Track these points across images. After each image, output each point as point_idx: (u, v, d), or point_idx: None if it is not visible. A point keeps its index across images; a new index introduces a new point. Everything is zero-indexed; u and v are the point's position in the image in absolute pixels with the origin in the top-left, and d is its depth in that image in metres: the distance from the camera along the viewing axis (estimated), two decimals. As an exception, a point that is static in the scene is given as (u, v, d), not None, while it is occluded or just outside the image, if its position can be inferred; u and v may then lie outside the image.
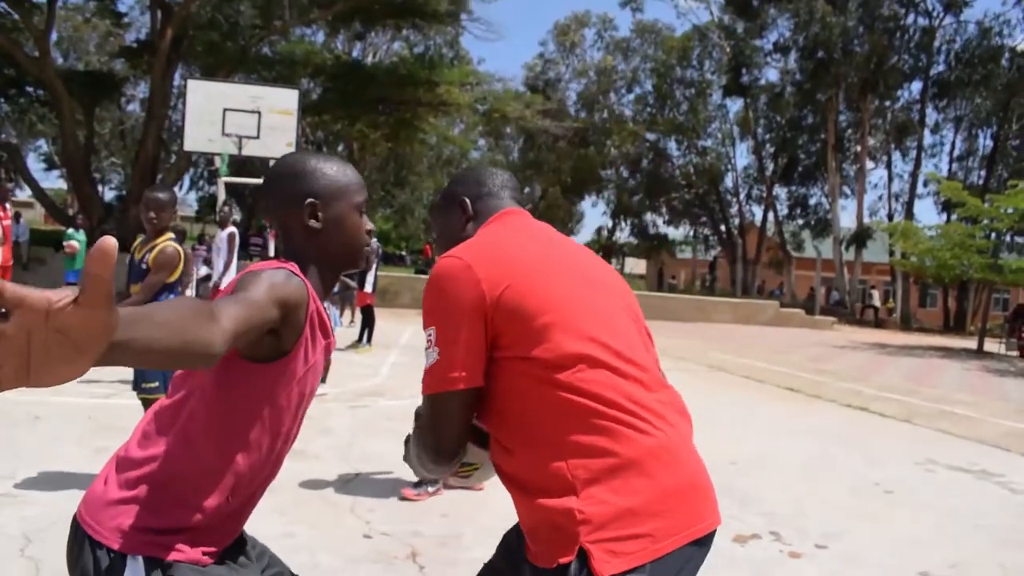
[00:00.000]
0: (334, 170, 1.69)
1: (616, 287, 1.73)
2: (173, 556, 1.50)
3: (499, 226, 1.77)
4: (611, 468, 1.47)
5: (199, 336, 1.11)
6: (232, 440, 1.54)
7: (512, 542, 1.79)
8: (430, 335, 1.56)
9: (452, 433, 1.59)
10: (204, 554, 1.55)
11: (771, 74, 38.59)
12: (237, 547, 1.69)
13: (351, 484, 4.97)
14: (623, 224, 46.28)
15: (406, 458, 1.80)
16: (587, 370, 1.51)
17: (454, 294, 1.54)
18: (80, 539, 1.52)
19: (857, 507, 5.27)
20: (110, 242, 0.79)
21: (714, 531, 1.56)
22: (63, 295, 0.80)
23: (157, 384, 4.42)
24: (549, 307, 1.53)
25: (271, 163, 1.68)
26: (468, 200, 1.85)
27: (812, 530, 4.69)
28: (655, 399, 1.58)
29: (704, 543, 1.54)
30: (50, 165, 40.80)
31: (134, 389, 4.52)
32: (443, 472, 1.71)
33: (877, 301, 33.03)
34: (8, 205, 10.17)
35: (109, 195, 37.06)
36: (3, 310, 0.78)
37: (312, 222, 1.65)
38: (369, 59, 31.76)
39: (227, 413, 1.53)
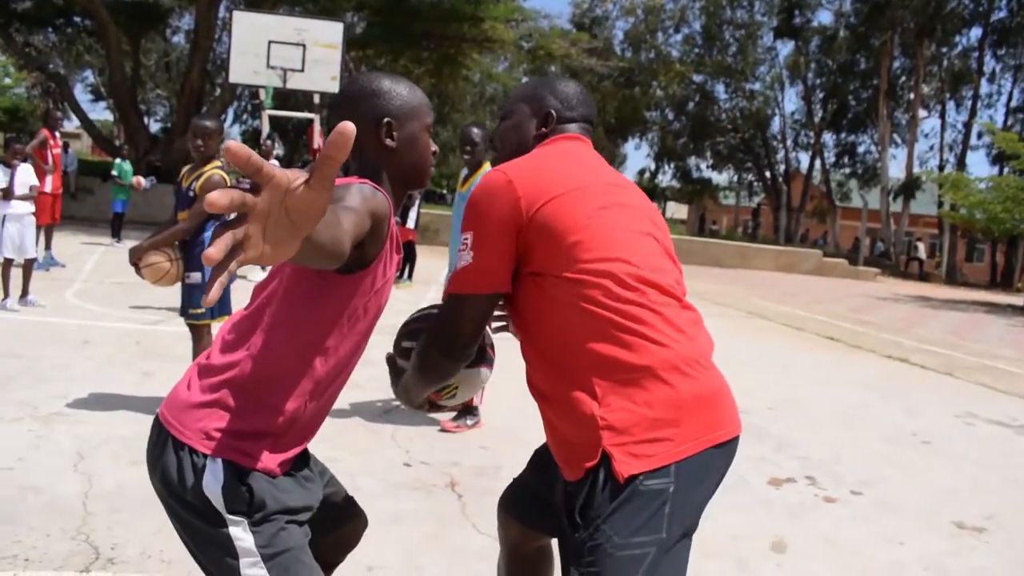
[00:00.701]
0: (407, 91, 1.74)
1: (646, 212, 1.78)
2: (250, 463, 1.56)
3: (554, 149, 1.81)
4: (631, 378, 1.56)
5: (339, 235, 1.20)
6: (311, 346, 1.60)
7: (544, 457, 1.89)
8: (467, 238, 1.64)
9: (468, 332, 1.68)
10: (279, 464, 1.62)
11: (824, 16, 37.59)
12: (303, 460, 1.75)
13: (392, 414, 5.07)
14: (666, 167, 45.63)
15: (393, 380, 1.90)
16: (611, 287, 1.59)
17: (493, 205, 1.63)
18: (163, 438, 1.59)
19: (893, 456, 5.26)
20: (350, 126, 0.83)
21: (737, 437, 1.66)
22: (299, 176, 0.85)
23: (204, 310, 4.51)
24: (578, 227, 1.61)
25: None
26: (555, 114, 1.89)
27: (847, 477, 4.69)
28: (676, 315, 1.65)
29: (727, 448, 1.63)
30: (97, 96, 41.12)
31: (181, 315, 4.62)
32: (435, 381, 1.79)
33: (922, 254, 32.39)
34: (58, 134, 10.30)
35: (155, 127, 37.37)
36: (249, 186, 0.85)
37: (388, 141, 1.70)
38: (414, -7, 31.32)
39: (307, 320, 1.59)
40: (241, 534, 1.54)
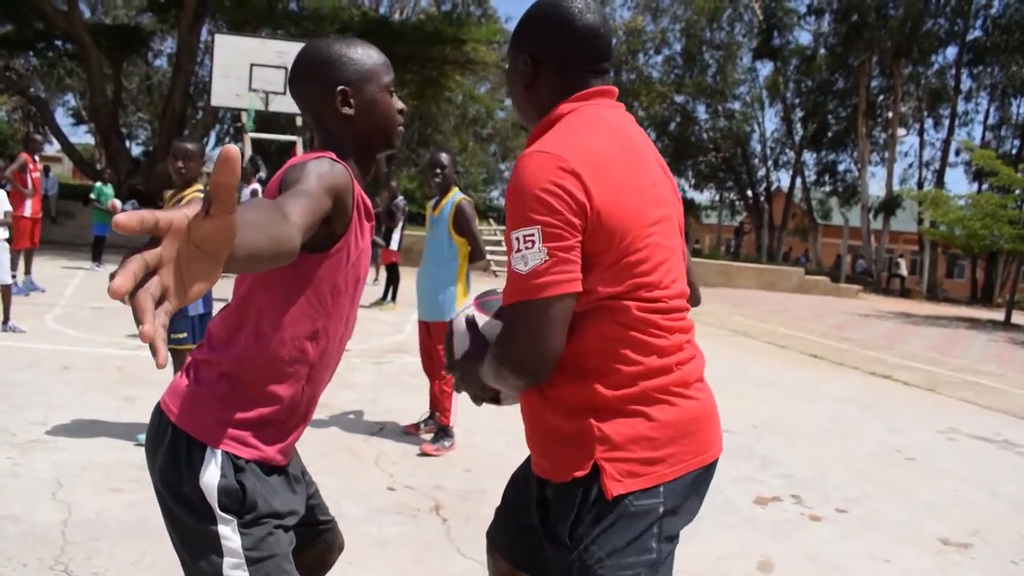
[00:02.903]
0: (359, 53, 1.69)
1: (676, 214, 1.66)
2: (250, 453, 1.57)
3: (593, 118, 1.58)
4: (636, 395, 1.50)
5: (282, 234, 1.16)
6: (301, 329, 1.60)
7: (519, 476, 1.85)
8: (531, 235, 1.43)
9: (556, 342, 1.45)
10: (280, 451, 1.64)
11: (803, 37, 37.97)
12: (295, 464, 1.75)
13: (375, 438, 5.03)
14: (648, 187, 45.88)
15: (467, 385, 1.70)
16: (642, 306, 1.51)
17: (563, 196, 1.43)
18: (164, 426, 1.59)
19: (878, 473, 5.27)
20: (233, 150, 0.82)
21: (718, 458, 1.64)
22: (195, 211, 0.84)
23: (185, 335, 4.48)
24: (636, 246, 1.49)
25: (302, 51, 1.66)
26: (530, 60, 1.64)
27: (833, 494, 4.70)
28: (685, 333, 1.60)
29: (710, 468, 1.62)
30: (78, 120, 40.92)
31: (163, 340, 4.58)
32: (513, 393, 1.63)
33: (904, 270, 32.66)
34: (38, 158, 10.24)
35: (136, 150, 37.17)
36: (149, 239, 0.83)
37: (345, 109, 1.66)
38: (396, 16, 31.51)
39: (292, 304, 1.59)
40: (229, 533, 1.54)
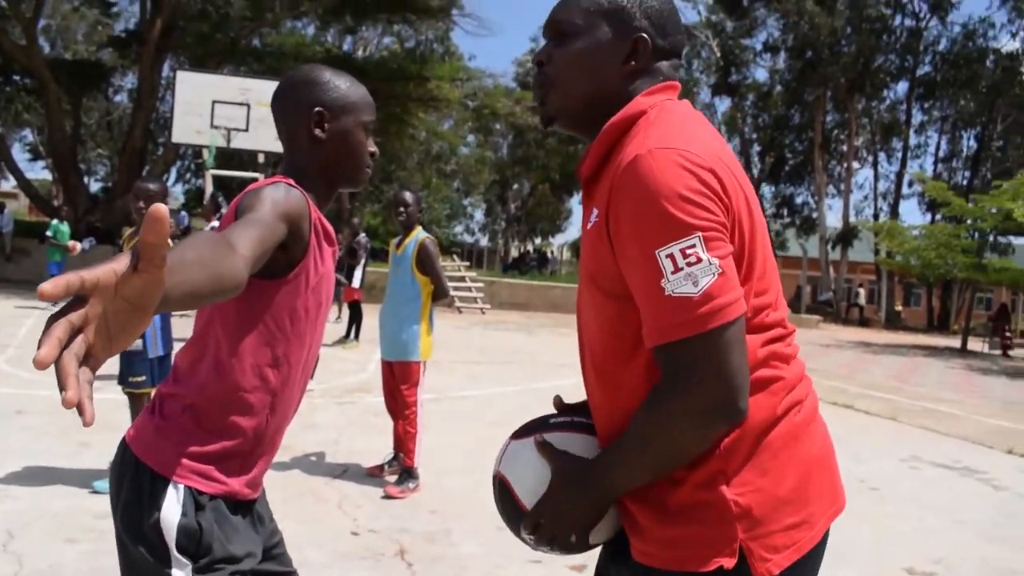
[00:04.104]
0: (346, 85, 1.70)
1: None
2: (214, 488, 1.54)
3: (690, 113, 1.33)
4: (770, 447, 1.24)
5: (225, 268, 1.13)
6: (261, 357, 1.58)
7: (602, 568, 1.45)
8: (691, 246, 1.13)
9: (747, 373, 1.16)
10: (247, 484, 1.61)
11: (760, 73, 38.75)
12: (263, 503, 1.73)
13: (338, 480, 4.96)
14: (611, 221, 46.24)
15: (560, 528, 1.31)
16: (759, 333, 1.25)
17: (710, 194, 1.16)
18: (128, 461, 1.56)
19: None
20: (162, 210, 0.80)
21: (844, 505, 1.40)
22: (123, 266, 0.82)
23: (144, 378, 4.40)
24: (751, 250, 1.23)
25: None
26: (650, 43, 1.35)
27: (798, 527, 4.71)
28: (797, 360, 1.34)
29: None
30: (35, 155, 40.40)
31: (120, 383, 4.49)
32: (684, 461, 1.22)
33: (863, 300, 33.24)
34: (-7, 196, 10.07)
35: (95, 186, 36.75)
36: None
37: (317, 131, 1.66)
38: (360, 53, 31.66)
39: (251, 331, 1.57)
40: None
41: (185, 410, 1.56)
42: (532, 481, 1.34)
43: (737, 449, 1.21)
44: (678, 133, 1.21)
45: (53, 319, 0.79)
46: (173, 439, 1.54)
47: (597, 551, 1.43)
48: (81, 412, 0.77)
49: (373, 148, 1.74)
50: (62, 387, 0.75)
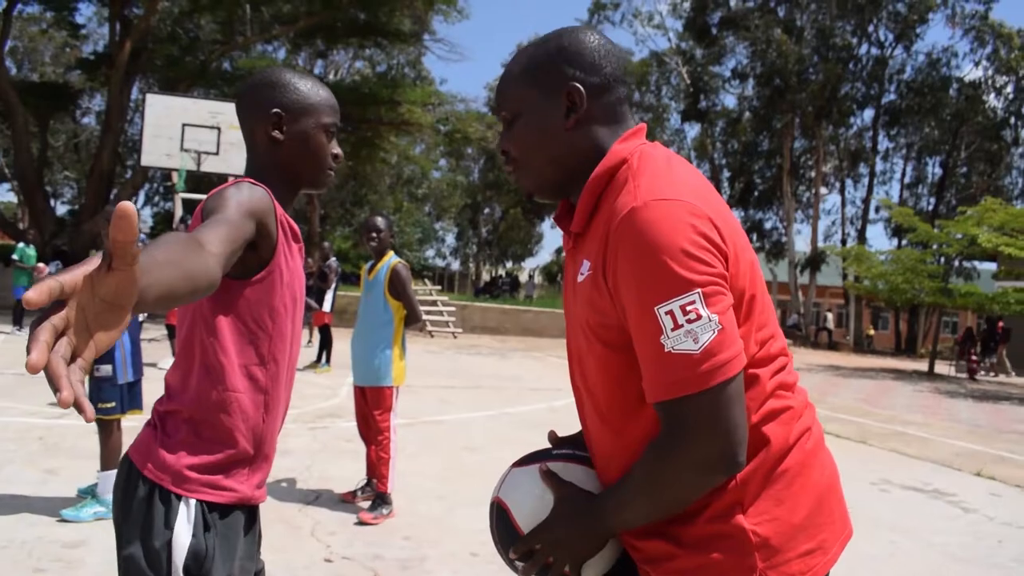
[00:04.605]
0: (307, 87, 1.70)
1: None
2: (225, 497, 1.55)
3: (669, 156, 1.32)
4: (784, 476, 1.26)
5: (198, 267, 1.14)
6: (248, 357, 1.59)
7: None
8: (691, 303, 1.14)
9: (746, 427, 1.19)
10: (256, 486, 1.62)
11: (728, 100, 39.30)
12: (255, 515, 1.72)
13: (311, 507, 4.90)
14: (583, 245, 46.45)
15: (559, 554, 1.33)
16: (764, 367, 1.28)
17: (710, 247, 1.17)
18: (134, 479, 1.55)
19: (815, 528, 5.33)
20: (128, 207, 0.82)
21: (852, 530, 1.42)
22: (96, 266, 0.84)
23: (114, 404, 4.33)
24: (751, 288, 1.25)
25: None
26: (583, 89, 1.33)
27: (771, 551, 4.72)
28: (799, 387, 1.38)
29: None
30: (0, 178, 39.90)
31: (89, 409, 4.41)
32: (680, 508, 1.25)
33: (831, 324, 33.64)
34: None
35: (61, 209, 36.34)
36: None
37: (276, 133, 1.66)
38: (331, 77, 31.68)
39: (234, 333, 1.58)
40: None
41: (184, 423, 1.57)
42: (531, 508, 1.35)
43: (753, 479, 1.23)
44: (669, 181, 1.22)
45: (36, 324, 0.81)
46: (177, 454, 1.55)
47: None
48: (80, 409, 0.79)
49: (336, 151, 1.75)
50: (55, 388, 0.78)
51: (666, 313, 1.13)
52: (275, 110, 1.65)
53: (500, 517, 1.39)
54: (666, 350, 1.14)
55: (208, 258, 1.21)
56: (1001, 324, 21.98)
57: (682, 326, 1.13)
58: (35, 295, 0.78)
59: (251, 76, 1.74)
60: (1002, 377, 21.71)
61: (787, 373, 1.32)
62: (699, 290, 1.13)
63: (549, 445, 1.52)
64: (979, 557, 4.92)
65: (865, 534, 5.26)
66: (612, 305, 1.22)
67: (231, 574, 1.57)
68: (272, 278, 1.60)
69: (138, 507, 1.53)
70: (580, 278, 1.30)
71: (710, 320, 1.13)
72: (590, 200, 1.31)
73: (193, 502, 1.53)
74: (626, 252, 1.17)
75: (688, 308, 1.13)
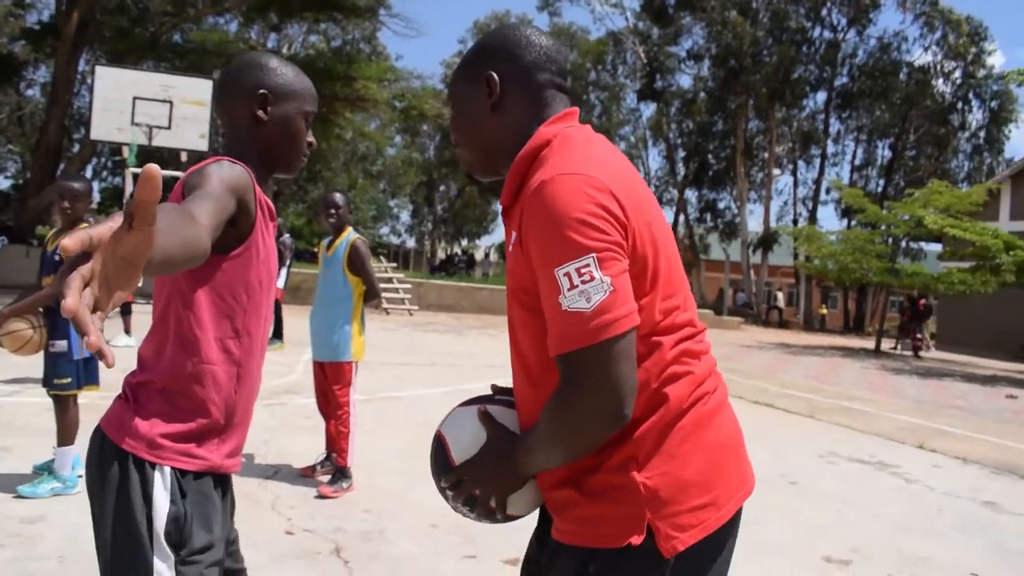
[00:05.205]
0: (292, 74, 1.76)
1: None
2: (197, 464, 1.59)
3: (591, 137, 1.46)
4: (680, 436, 1.36)
5: (194, 236, 1.19)
6: (223, 330, 1.63)
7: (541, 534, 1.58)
8: (586, 266, 1.24)
9: (634, 380, 1.28)
10: (227, 455, 1.65)
11: (684, 80, 39.52)
12: (228, 480, 1.75)
13: (271, 481, 4.92)
14: (539, 224, 46.53)
15: (482, 490, 1.46)
16: (670, 334, 1.38)
17: (607, 216, 1.28)
18: (108, 451, 1.57)
19: (763, 498, 5.47)
20: (155, 169, 0.88)
21: (753, 489, 1.51)
22: (118, 223, 0.90)
23: (70, 380, 4.29)
24: (656, 260, 1.36)
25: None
26: (497, 77, 1.50)
27: (723, 521, 4.86)
28: (708, 355, 1.48)
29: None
30: (-59, 151, 38.71)
31: (44, 385, 4.37)
32: (580, 455, 1.36)
33: (781, 302, 34.20)
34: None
35: (5, 184, 35.39)
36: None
37: (260, 112, 1.71)
38: (285, 51, 31.20)
39: (211, 306, 1.61)
40: (165, 571, 1.53)
41: (157, 394, 1.60)
42: (466, 443, 1.48)
43: (647, 436, 1.34)
44: (579, 158, 1.34)
45: (66, 272, 0.86)
46: (150, 423, 1.57)
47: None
48: (102, 356, 0.85)
49: (311, 139, 1.80)
50: (84, 332, 0.83)
51: (564, 275, 1.25)
52: (262, 91, 1.70)
53: (438, 448, 1.51)
54: (563, 308, 1.25)
55: (200, 229, 1.26)
56: (923, 302, 22.56)
57: (577, 287, 1.24)
58: (71, 243, 0.84)
59: (234, 60, 1.78)
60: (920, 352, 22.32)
61: (695, 342, 1.43)
62: (593, 255, 1.25)
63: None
64: (920, 526, 5.12)
65: (813, 504, 5.43)
66: (528, 270, 1.34)
67: (209, 542, 1.60)
68: (249, 253, 1.63)
69: (113, 478, 1.55)
70: (509, 248, 1.42)
71: (602, 282, 1.24)
72: (516, 178, 1.45)
73: (168, 469, 1.55)
74: (533, 220, 1.30)
75: (583, 271, 1.24)
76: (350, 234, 4.99)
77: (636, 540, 1.31)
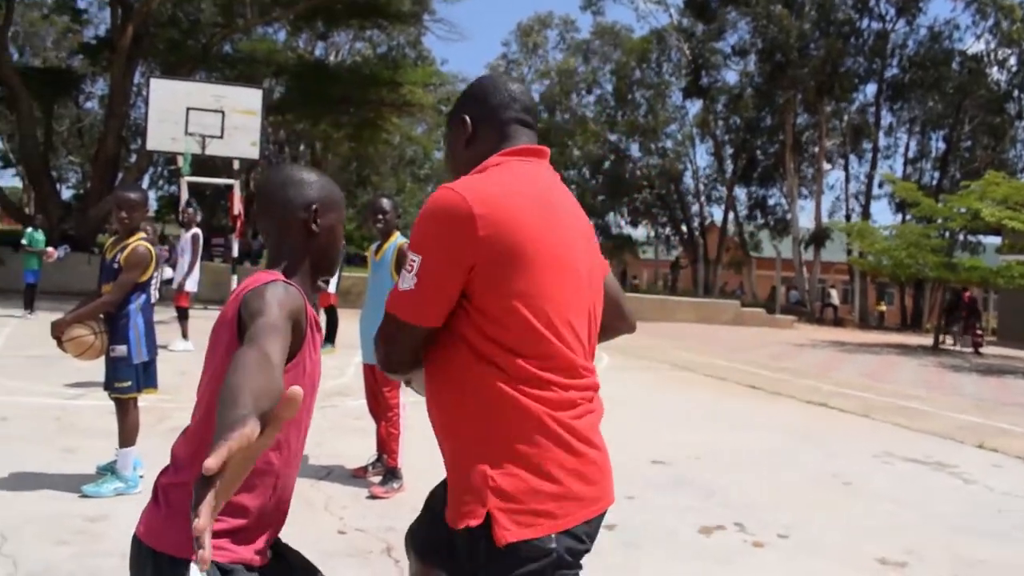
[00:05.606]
0: (328, 183, 1.87)
1: (594, 267, 1.78)
2: (228, 556, 1.62)
3: (516, 170, 1.70)
4: (528, 447, 1.58)
5: (276, 386, 1.27)
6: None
7: (437, 497, 1.83)
8: (414, 261, 1.59)
9: (399, 359, 1.69)
10: (256, 552, 1.68)
11: (730, 76, 39.10)
12: (276, 553, 1.80)
13: (323, 482, 5.02)
14: (585, 224, 46.36)
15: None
16: (523, 359, 1.58)
17: (447, 234, 1.56)
18: (144, 555, 1.63)
19: (816, 498, 5.43)
20: (299, 393, 1.09)
21: (607, 509, 1.70)
22: (252, 432, 1.08)
23: (130, 383, 4.42)
24: (524, 290, 1.56)
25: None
26: (469, 119, 1.81)
27: (774, 520, 4.83)
28: (580, 391, 1.67)
29: (601, 518, 1.69)
30: (5, 163, 39.94)
31: (106, 389, 4.52)
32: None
33: (836, 300, 33.53)
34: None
35: (67, 194, 36.40)
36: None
37: (314, 226, 1.79)
38: (332, 58, 31.61)
39: None
40: None
41: (190, 496, 1.63)
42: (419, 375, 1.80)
43: (506, 443, 1.58)
44: (481, 180, 1.63)
45: (202, 490, 1.03)
46: (183, 524, 1.59)
47: None
48: (203, 561, 1.00)
49: (342, 241, 1.94)
50: (201, 547, 0.99)
51: (409, 260, 1.61)
52: (313, 205, 1.79)
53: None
54: (397, 280, 1.65)
55: (278, 373, 1.34)
56: (968, 295, 21.98)
57: (407, 271, 1.60)
58: (215, 463, 0.99)
59: (273, 174, 1.86)
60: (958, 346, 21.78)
61: (563, 374, 1.63)
62: (420, 258, 1.58)
63: None
64: (977, 526, 5.02)
65: (866, 505, 5.36)
66: None
67: None
68: (297, 370, 1.66)
69: None
70: None
71: (412, 279, 1.59)
72: None
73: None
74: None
75: (411, 262, 1.60)
76: (397, 238, 5.07)
77: (473, 523, 1.56)
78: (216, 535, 1.60)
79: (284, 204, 1.79)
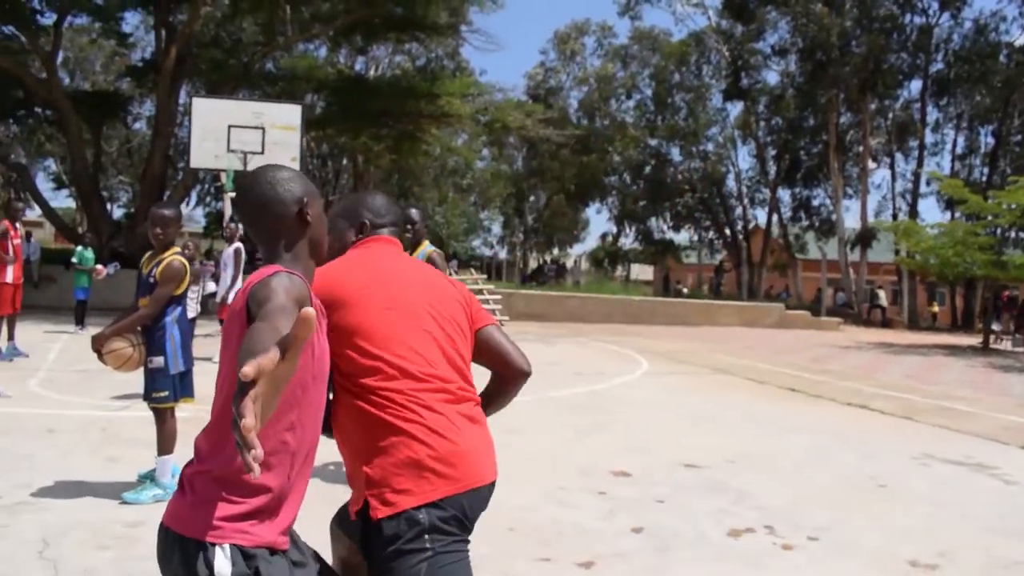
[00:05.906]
0: (305, 179, 1.97)
1: (430, 310, 2.14)
2: (254, 540, 1.70)
3: (363, 250, 2.26)
4: (385, 443, 1.96)
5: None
6: (280, 425, 1.74)
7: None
8: None
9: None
10: (280, 533, 1.76)
11: (771, 77, 38.68)
12: (295, 551, 1.87)
13: (318, 479, 5.10)
14: (628, 230, 46.26)
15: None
16: (368, 385, 1.98)
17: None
18: (171, 541, 1.71)
19: (850, 500, 5.39)
20: (311, 314, 1.21)
21: (491, 483, 2.12)
22: (277, 355, 1.21)
23: (167, 393, 4.58)
24: (357, 329, 1.99)
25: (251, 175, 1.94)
26: (369, 224, 2.32)
27: (805, 523, 4.81)
28: (435, 388, 2.04)
29: (477, 493, 2.05)
30: (59, 184, 41.08)
31: (145, 399, 4.68)
32: None
33: (884, 301, 32.86)
34: (19, 225, 10.34)
35: (118, 212, 37.34)
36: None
37: (308, 217, 1.90)
38: (371, 72, 31.98)
39: None
40: None
41: (214, 483, 1.71)
42: None
43: (372, 446, 1.96)
44: (334, 264, 2.14)
45: (240, 397, 1.17)
46: (208, 509, 1.68)
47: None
48: (254, 462, 1.18)
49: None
50: (251, 447, 1.15)
51: None
52: (304, 198, 1.91)
53: None
54: None
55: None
56: (1007, 293, 21.43)
57: None
58: (251, 370, 1.12)
59: (252, 179, 1.94)
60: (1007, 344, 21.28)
61: (406, 396, 1.99)
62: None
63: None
64: (1015, 527, 4.95)
65: (902, 506, 5.31)
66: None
67: None
68: (306, 355, 1.74)
69: (180, 564, 1.68)
70: None
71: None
72: None
73: (227, 546, 1.66)
74: None
75: None
76: (427, 247, 5.18)
77: (354, 508, 2.01)
78: (238, 517, 1.69)
79: (277, 203, 1.88)
